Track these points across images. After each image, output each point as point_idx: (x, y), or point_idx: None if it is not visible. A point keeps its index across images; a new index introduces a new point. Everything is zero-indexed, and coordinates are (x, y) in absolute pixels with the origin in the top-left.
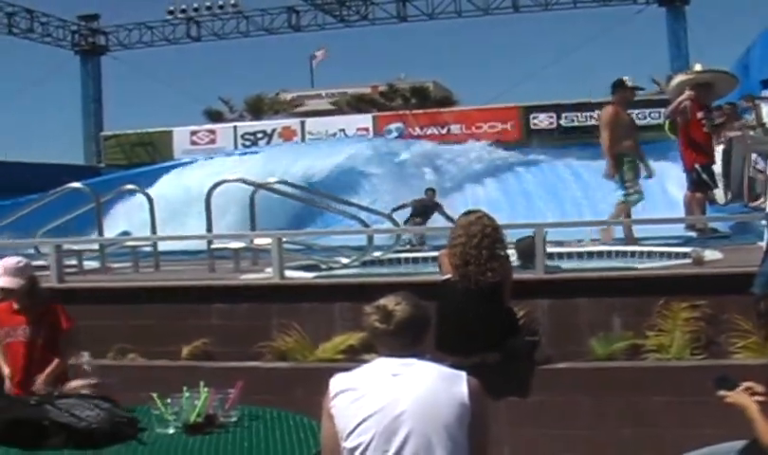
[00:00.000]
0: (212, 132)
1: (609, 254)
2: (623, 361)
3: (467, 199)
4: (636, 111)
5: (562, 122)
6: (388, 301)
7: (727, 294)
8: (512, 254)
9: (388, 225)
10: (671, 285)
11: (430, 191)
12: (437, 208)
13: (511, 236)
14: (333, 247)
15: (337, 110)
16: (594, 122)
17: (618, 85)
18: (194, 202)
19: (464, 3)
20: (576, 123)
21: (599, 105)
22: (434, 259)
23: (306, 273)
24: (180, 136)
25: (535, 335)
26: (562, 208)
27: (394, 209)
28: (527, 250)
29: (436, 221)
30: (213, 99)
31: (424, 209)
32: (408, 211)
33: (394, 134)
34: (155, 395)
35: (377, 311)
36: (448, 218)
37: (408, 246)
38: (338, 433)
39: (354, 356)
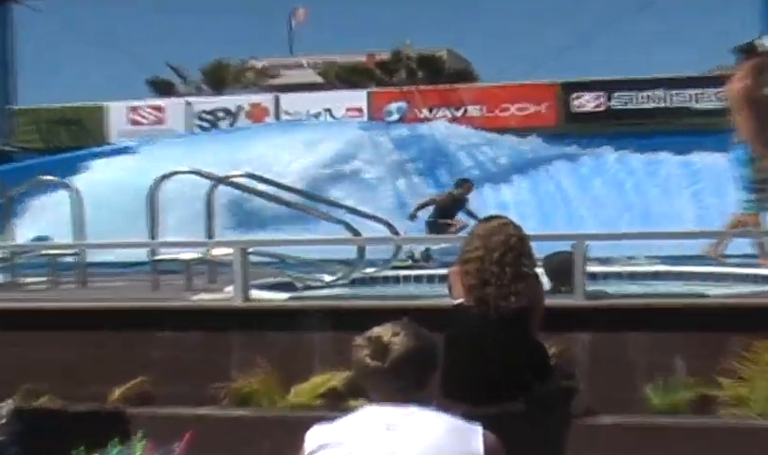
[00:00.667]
0: (159, 108)
1: (669, 276)
2: (688, 417)
3: (487, 202)
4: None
5: (613, 104)
6: (383, 332)
7: None
8: (542, 274)
9: (385, 232)
10: (755, 319)
11: (464, 182)
12: (464, 204)
13: (539, 251)
14: (313, 261)
15: (322, 84)
16: (654, 104)
17: (749, 50)
18: (134, 199)
19: None
20: (631, 105)
21: (664, 83)
22: (443, 278)
23: (278, 293)
24: (116, 113)
25: (571, 378)
26: (609, 215)
27: (419, 208)
28: (562, 269)
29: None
30: (161, 66)
31: (454, 206)
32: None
33: (396, 116)
34: (75, 453)
35: (369, 343)
36: (471, 215)
37: (409, 261)
38: None
39: (337, 402)
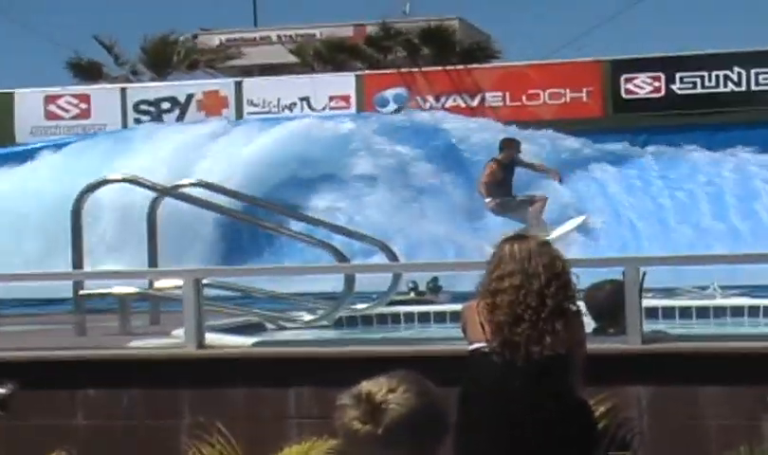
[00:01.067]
0: (84, 98)
1: (752, 312)
2: None
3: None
4: None
5: (676, 88)
6: (376, 388)
7: None
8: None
9: (380, 258)
10: None
11: (506, 143)
12: (515, 164)
13: (581, 280)
14: (287, 295)
15: (297, 65)
16: (729, 88)
17: None
18: (52, 217)
19: None
20: (699, 89)
21: (741, 59)
22: (456, 315)
23: (241, 338)
24: (28, 103)
25: (626, 448)
26: (671, 233)
27: (488, 189)
28: (611, 304)
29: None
30: (87, 42)
31: (507, 175)
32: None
33: (392, 105)
34: None
35: (358, 403)
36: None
37: (412, 294)
38: None
39: None
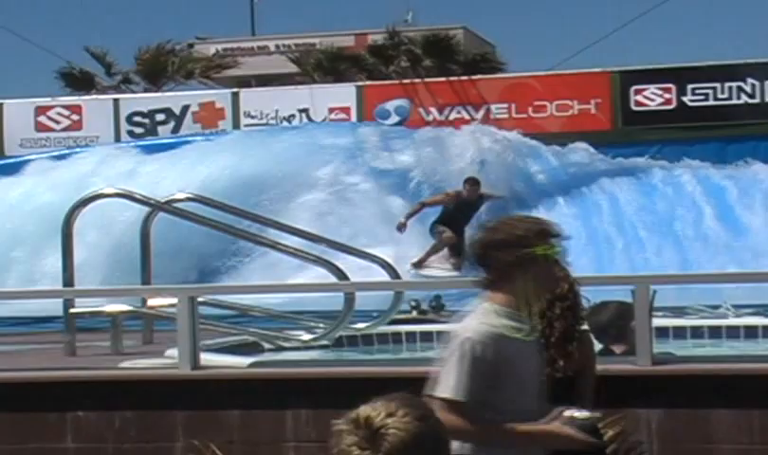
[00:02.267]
0: (75, 109)
1: (765, 332)
2: None
3: None
4: None
5: (687, 99)
6: (374, 411)
7: None
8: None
9: (381, 274)
10: None
11: (470, 182)
12: (482, 201)
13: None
14: (285, 314)
15: (296, 75)
16: (743, 100)
17: None
18: (41, 232)
19: None
20: (712, 101)
21: (756, 70)
22: None
23: (237, 358)
24: (17, 114)
25: None
26: (683, 250)
27: (410, 215)
28: (613, 326)
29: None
30: (78, 52)
31: (459, 210)
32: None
33: (394, 118)
34: None
35: (356, 427)
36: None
37: (414, 313)
38: None
39: None
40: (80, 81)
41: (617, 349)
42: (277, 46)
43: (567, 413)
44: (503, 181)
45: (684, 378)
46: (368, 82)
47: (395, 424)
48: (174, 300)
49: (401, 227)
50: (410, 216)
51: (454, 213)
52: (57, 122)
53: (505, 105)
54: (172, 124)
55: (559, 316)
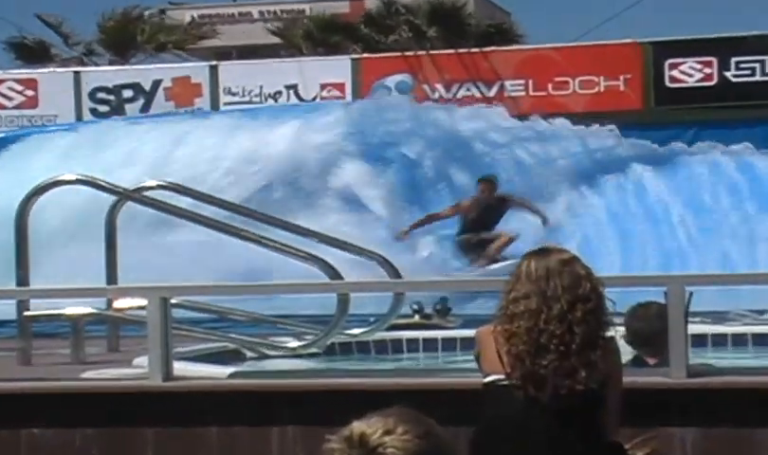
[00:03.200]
0: (30, 83)
1: None
2: None
3: (535, 227)
4: None
5: (731, 75)
6: (370, 428)
7: None
8: (619, 338)
9: (380, 273)
10: None
11: (485, 182)
12: (506, 205)
13: (618, 302)
14: (270, 318)
15: (283, 47)
16: None
17: None
18: None
19: None
20: (760, 77)
21: None
22: (468, 342)
23: (216, 367)
24: None
25: None
26: (723, 248)
27: (416, 225)
28: (657, 331)
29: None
30: (30, 19)
31: (481, 215)
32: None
33: (395, 94)
34: None
35: (350, 446)
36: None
37: (416, 317)
38: None
39: None
40: (33, 53)
41: (651, 360)
42: (261, 13)
43: None
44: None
45: (724, 393)
46: (365, 55)
47: (394, 442)
48: (144, 302)
49: (402, 237)
50: (414, 227)
51: (477, 221)
52: (9, 98)
53: (522, 82)
54: (141, 102)
55: (581, 319)
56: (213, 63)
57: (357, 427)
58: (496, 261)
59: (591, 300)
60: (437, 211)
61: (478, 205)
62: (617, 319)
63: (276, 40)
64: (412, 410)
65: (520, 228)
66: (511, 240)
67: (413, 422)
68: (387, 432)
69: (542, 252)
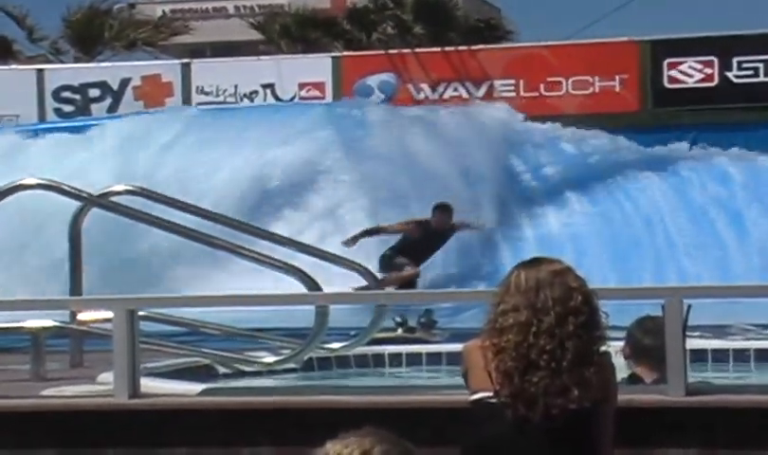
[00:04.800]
0: None
1: None
2: None
3: (524, 237)
4: None
5: (733, 75)
6: (347, 448)
7: None
8: (614, 353)
9: (360, 284)
10: None
11: (440, 210)
12: (451, 233)
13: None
14: (244, 331)
15: (260, 43)
16: None
17: None
18: None
19: None
20: (763, 78)
21: None
22: (454, 357)
23: (186, 384)
24: None
25: None
26: (724, 256)
27: (365, 233)
28: (656, 345)
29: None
30: None
31: (425, 240)
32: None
33: (378, 95)
34: None
35: None
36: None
37: (399, 331)
38: None
39: None
40: None
41: (651, 376)
42: (237, 8)
43: None
44: (500, 174)
45: (724, 412)
46: (346, 53)
47: None
48: (110, 314)
49: (348, 244)
50: (360, 237)
51: (418, 244)
52: None
53: (512, 81)
54: (108, 101)
55: (572, 333)
56: (186, 60)
57: (333, 448)
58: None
59: (583, 312)
60: (386, 225)
61: (425, 230)
62: (612, 334)
63: (253, 37)
64: (384, 431)
65: None
66: (415, 276)
67: (390, 442)
68: (364, 453)
69: (533, 262)
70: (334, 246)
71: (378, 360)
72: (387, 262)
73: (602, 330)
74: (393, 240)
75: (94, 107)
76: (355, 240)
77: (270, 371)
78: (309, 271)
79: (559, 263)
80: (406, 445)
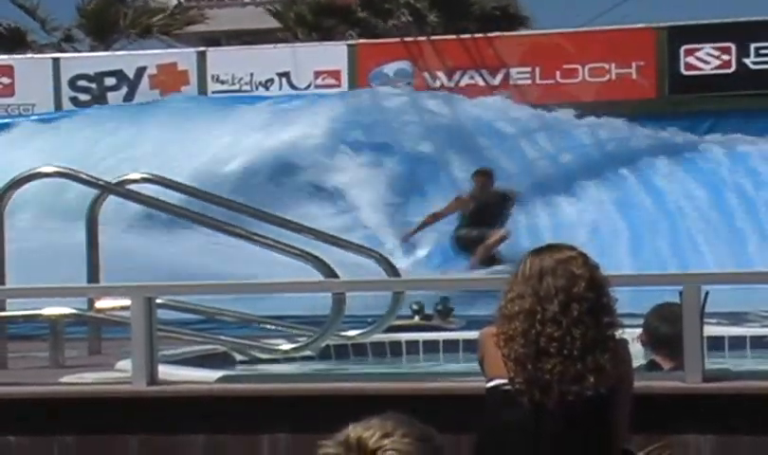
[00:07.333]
0: (6, 70)
1: None
2: None
3: (540, 225)
4: None
5: (750, 62)
6: (367, 432)
7: None
8: (632, 339)
9: (378, 272)
10: None
11: (478, 174)
12: (508, 203)
13: (632, 303)
14: (261, 319)
15: (275, 32)
16: None
17: None
18: None
19: None
20: None
21: None
22: (471, 344)
23: (203, 372)
24: None
25: None
26: (742, 244)
27: (421, 227)
28: (676, 333)
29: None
30: (2, 4)
31: (483, 208)
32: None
33: (395, 83)
34: None
35: (347, 450)
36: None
37: (416, 318)
38: None
39: None
40: (7, 40)
41: (668, 363)
42: None
43: None
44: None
45: (742, 398)
46: (362, 41)
47: (394, 445)
48: (128, 302)
49: (407, 240)
50: (418, 229)
51: (479, 213)
52: None
53: (528, 69)
54: (124, 90)
55: (578, 320)
56: (201, 49)
57: (355, 430)
58: (492, 258)
59: (587, 299)
60: (440, 210)
61: (476, 199)
62: (627, 321)
63: (268, 25)
64: (405, 416)
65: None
66: (503, 238)
67: (411, 426)
68: (385, 435)
69: (542, 250)
70: (353, 236)
71: (395, 348)
72: (464, 240)
73: (613, 316)
74: (450, 222)
75: (110, 96)
76: (414, 233)
77: (287, 358)
78: (325, 258)
79: (570, 249)
80: (425, 428)
